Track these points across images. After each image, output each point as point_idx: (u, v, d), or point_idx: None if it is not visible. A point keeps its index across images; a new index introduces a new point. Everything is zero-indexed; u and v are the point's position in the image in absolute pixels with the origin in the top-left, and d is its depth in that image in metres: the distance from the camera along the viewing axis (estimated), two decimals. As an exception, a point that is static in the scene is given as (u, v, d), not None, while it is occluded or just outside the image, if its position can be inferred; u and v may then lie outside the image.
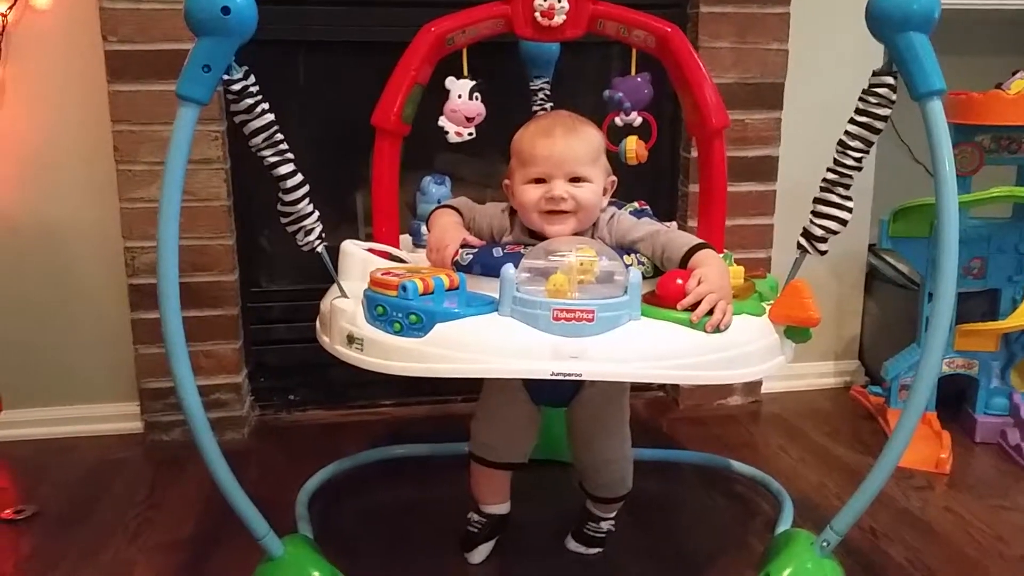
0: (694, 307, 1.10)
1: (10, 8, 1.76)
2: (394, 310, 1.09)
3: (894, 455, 1.20)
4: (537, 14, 1.43)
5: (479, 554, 1.44)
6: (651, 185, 2.04)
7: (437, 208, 1.39)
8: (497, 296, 1.10)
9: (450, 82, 1.48)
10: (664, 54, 1.48)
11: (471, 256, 1.23)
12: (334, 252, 1.26)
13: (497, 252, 1.22)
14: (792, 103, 2.03)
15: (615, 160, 1.43)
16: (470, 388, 1.48)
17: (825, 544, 1.25)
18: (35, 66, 1.81)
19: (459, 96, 1.49)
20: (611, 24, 1.48)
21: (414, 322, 1.07)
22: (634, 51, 1.51)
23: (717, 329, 1.10)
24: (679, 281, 1.13)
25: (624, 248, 1.26)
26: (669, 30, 1.46)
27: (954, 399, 1.98)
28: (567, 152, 1.24)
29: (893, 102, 1.18)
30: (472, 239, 1.29)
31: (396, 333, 1.09)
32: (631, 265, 1.18)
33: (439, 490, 1.66)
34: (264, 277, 2.07)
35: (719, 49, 1.96)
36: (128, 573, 1.42)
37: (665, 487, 1.72)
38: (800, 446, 1.93)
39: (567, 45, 1.59)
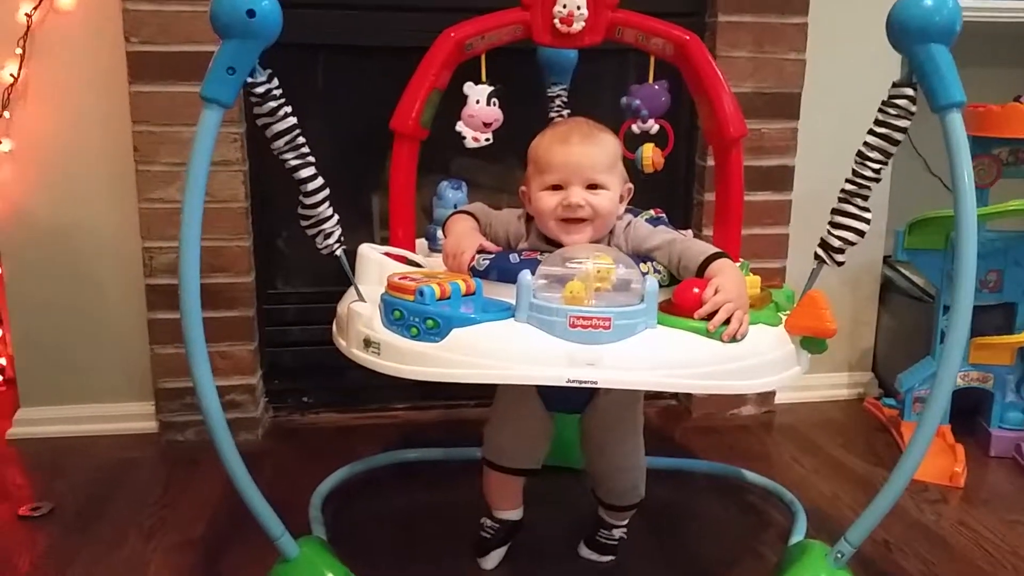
0: (711, 316, 1.10)
1: (35, 8, 1.78)
2: (411, 314, 1.09)
3: (909, 467, 1.19)
4: (556, 21, 1.43)
5: (492, 560, 1.45)
6: (667, 193, 2.04)
7: (453, 214, 1.40)
8: (514, 302, 1.10)
9: (468, 87, 1.48)
10: (682, 62, 1.48)
11: (488, 262, 1.23)
12: (351, 255, 1.27)
13: (514, 258, 1.23)
14: (809, 113, 2.03)
15: (631, 167, 1.43)
16: (483, 393, 1.49)
17: (839, 556, 1.24)
18: (58, 66, 1.83)
19: (477, 101, 1.49)
20: (629, 31, 1.48)
21: (431, 327, 1.08)
22: (652, 59, 1.52)
23: (733, 339, 1.10)
24: (696, 290, 1.13)
25: (640, 256, 1.26)
26: (688, 38, 1.46)
27: (969, 412, 1.97)
28: (584, 159, 1.24)
29: (912, 114, 1.17)
30: (489, 245, 1.30)
31: (413, 338, 1.09)
32: (647, 273, 1.18)
33: (452, 494, 1.66)
34: (280, 279, 2.08)
35: (737, 58, 1.96)
36: (143, 572, 1.43)
37: (678, 496, 1.71)
38: (813, 457, 1.93)
39: (585, 52, 1.59)
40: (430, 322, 1.08)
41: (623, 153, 1.34)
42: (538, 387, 1.33)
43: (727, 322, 1.10)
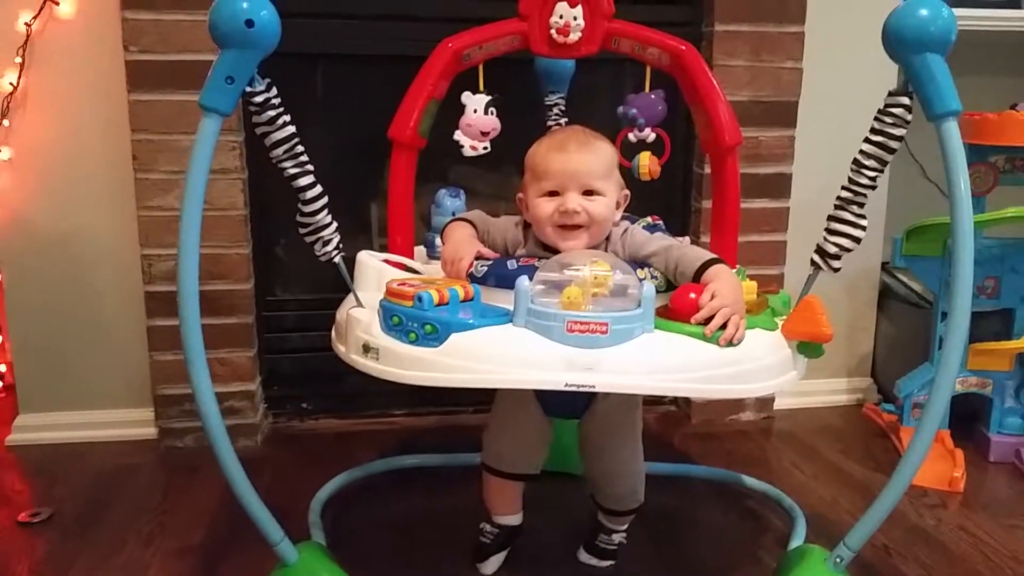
0: (707, 321, 1.11)
1: (34, 17, 1.79)
2: (409, 320, 1.10)
3: (908, 472, 1.20)
4: (553, 31, 1.44)
5: (491, 565, 1.45)
6: (664, 201, 2.05)
7: (451, 221, 1.41)
8: (512, 308, 1.11)
9: (466, 97, 1.49)
10: (678, 71, 1.49)
11: (486, 268, 1.24)
12: (350, 263, 1.28)
13: (512, 264, 1.23)
14: (806, 121, 2.04)
15: (628, 176, 1.44)
16: (481, 399, 1.49)
17: (839, 560, 1.25)
18: (57, 75, 1.84)
19: (475, 111, 1.50)
20: (626, 41, 1.49)
21: (429, 332, 1.08)
22: (648, 68, 1.53)
23: (730, 343, 1.10)
24: (692, 295, 1.13)
25: (637, 262, 1.26)
26: (683, 48, 1.47)
27: (968, 418, 1.97)
28: (581, 165, 1.25)
29: (908, 122, 1.18)
30: (487, 251, 1.30)
31: (411, 343, 1.10)
32: (644, 279, 1.19)
33: (451, 500, 1.67)
34: (279, 286, 2.08)
35: (734, 67, 1.97)
36: (141, 578, 1.43)
37: (677, 501, 1.72)
38: (812, 463, 1.93)
39: (582, 61, 1.60)
40: (428, 327, 1.08)
41: (620, 161, 1.35)
42: (537, 392, 1.33)
43: (724, 327, 1.10)
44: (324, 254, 1.22)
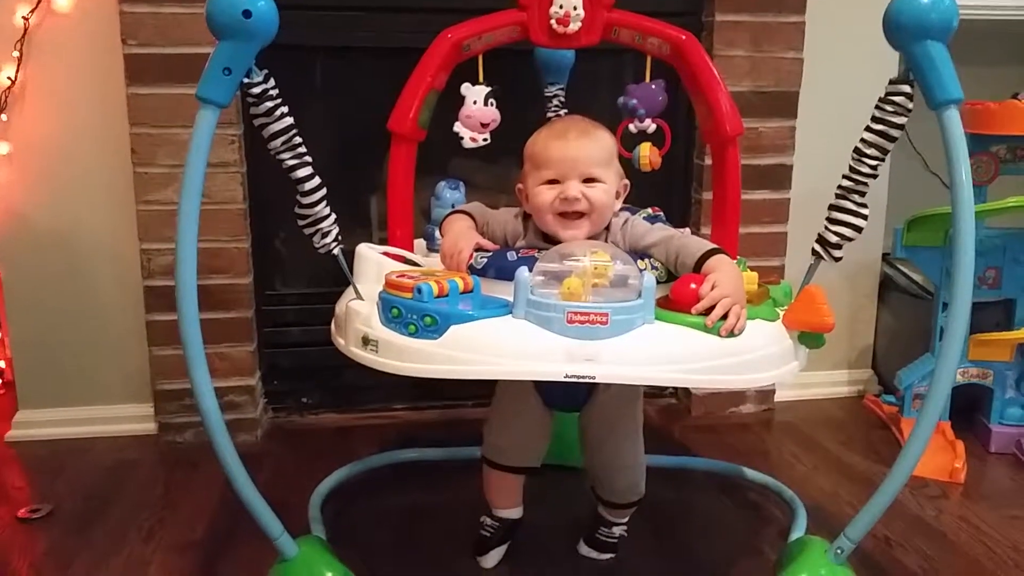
0: (708, 311, 1.10)
1: (32, 11, 1.78)
2: (409, 312, 1.09)
3: (909, 463, 1.20)
4: (552, 21, 1.43)
5: (492, 558, 1.45)
6: (664, 192, 2.04)
7: (450, 214, 1.40)
8: (511, 299, 1.10)
9: (465, 88, 1.48)
10: (679, 61, 1.49)
11: (485, 259, 1.23)
12: (349, 255, 1.27)
13: (511, 255, 1.23)
14: (807, 111, 2.03)
15: (629, 167, 1.43)
16: (481, 392, 1.49)
17: (839, 552, 1.24)
18: (55, 69, 1.83)
19: (474, 102, 1.49)
20: (626, 31, 1.48)
21: (429, 324, 1.08)
22: (649, 58, 1.52)
23: (731, 334, 1.10)
24: (693, 285, 1.13)
25: (638, 253, 1.26)
26: (684, 37, 1.46)
27: (969, 409, 1.97)
28: (580, 153, 1.25)
29: (909, 110, 1.18)
30: (486, 243, 1.30)
31: (411, 335, 1.09)
32: (645, 269, 1.19)
33: (451, 494, 1.66)
34: (278, 280, 2.08)
35: (734, 57, 1.96)
36: (142, 573, 1.43)
37: (678, 493, 1.71)
38: (813, 454, 1.93)
39: (582, 52, 1.60)
40: (428, 319, 1.08)
41: (620, 152, 1.34)
42: (537, 384, 1.33)
43: (724, 317, 1.10)
44: (323, 246, 1.21)
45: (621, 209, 1.34)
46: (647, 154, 1.55)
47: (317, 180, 1.19)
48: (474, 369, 1.07)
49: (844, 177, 1.23)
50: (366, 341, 1.14)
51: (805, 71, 2.01)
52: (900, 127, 1.18)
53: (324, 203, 1.20)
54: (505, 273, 1.16)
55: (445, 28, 1.44)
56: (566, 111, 1.71)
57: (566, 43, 1.47)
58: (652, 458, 1.46)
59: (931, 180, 2.26)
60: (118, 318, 1.95)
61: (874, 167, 1.21)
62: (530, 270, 1.10)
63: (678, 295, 1.13)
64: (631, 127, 1.56)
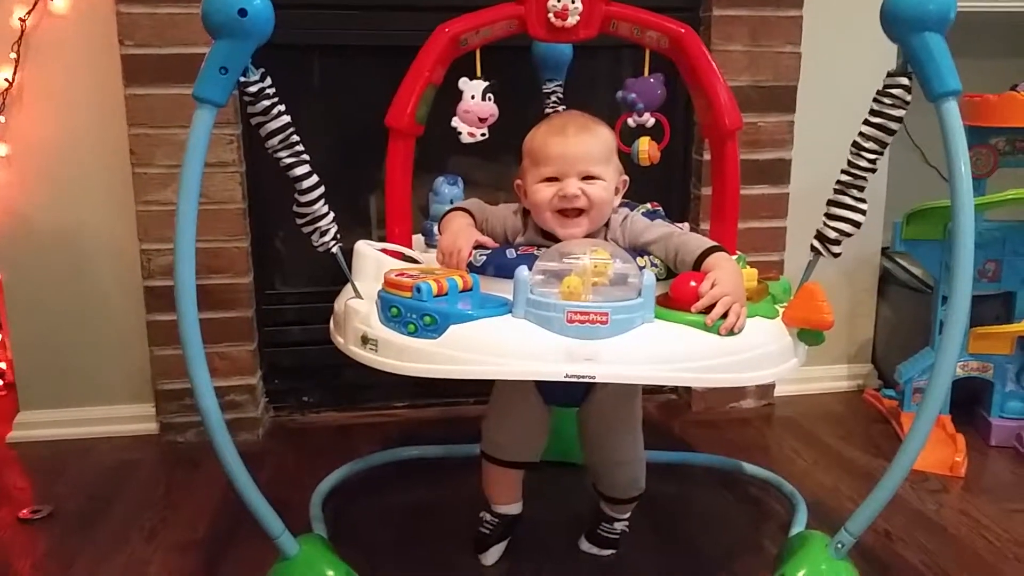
0: (708, 310, 1.10)
1: (28, 13, 1.78)
2: (408, 311, 1.09)
3: (909, 457, 1.20)
4: (550, 15, 1.43)
5: (492, 555, 1.45)
6: (663, 187, 2.04)
7: (449, 210, 1.39)
8: (511, 298, 1.10)
9: (463, 83, 1.48)
10: (678, 55, 1.48)
11: (484, 257, 1.23)
12: (348, 254, 1.27)
13: (511, 254, 1.23)
14: (805, 106, 2.03)
15: (627, 161, 1.43)
16: (482, 390, 1.49)
17: (840, 546, 1.24)
18: (53, 70, 1.83)
19: (472, 97, 1.49)
20: (624, 25, 1.48)
21: (428, 323, 1.08)
22: (647, 52, 1.51)
23: (731, 332, 1.10)
24: (693, 284, 1.13)
25: (637, 250, 1.26)
26: (683, 31, 1.46)
27: (969, 402, 1.97)
28: (579, 150, 1.24)
29: (908, 103, 1.18)
30: (485, 240, 1.29)
31: (410, 334, 1.09)
32: (644, 267, 1.19)
33: (452, 491, 1.67)
34: (278, 280, 2.08)
35: (732, 52, 1.96)
36: (144, 573, 1.43)
37: (679, 489, 1.71)
38: (813, 449, 1.93)
39: (580, 46, 1.59)
40: (427, 318, 1.08)
41: (619, 147, 1.34)
42: (536, 381, 1.33)
43: (725, 315, 1.10)
44: (321, 244, 1.21)
45: (620, 205, 1.34)
46: (646, 149, 1.55)
47: (315, 179, 1.19)
48: (474, 369, 1.06)
49: (843, 171, 1.23)
50: (365, 340, 1.13)
51: (803, 65, 2.00)
52: (899, 120, 1.18)
53: (322, 202, 1.20)
54: (504, 271, 1.16)
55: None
56: (564, 106, 1.70)
57: (564, 37, 1.47)
58: (652, 454, 1.46)
59: (930, 173, 2.26)
60: (119, 318, 1.95)
61: (872, 161, 1.21)
62: (529, 268, 1.10)
63: (678, 293, 1.13)
64: (630, 121, 1.55)
